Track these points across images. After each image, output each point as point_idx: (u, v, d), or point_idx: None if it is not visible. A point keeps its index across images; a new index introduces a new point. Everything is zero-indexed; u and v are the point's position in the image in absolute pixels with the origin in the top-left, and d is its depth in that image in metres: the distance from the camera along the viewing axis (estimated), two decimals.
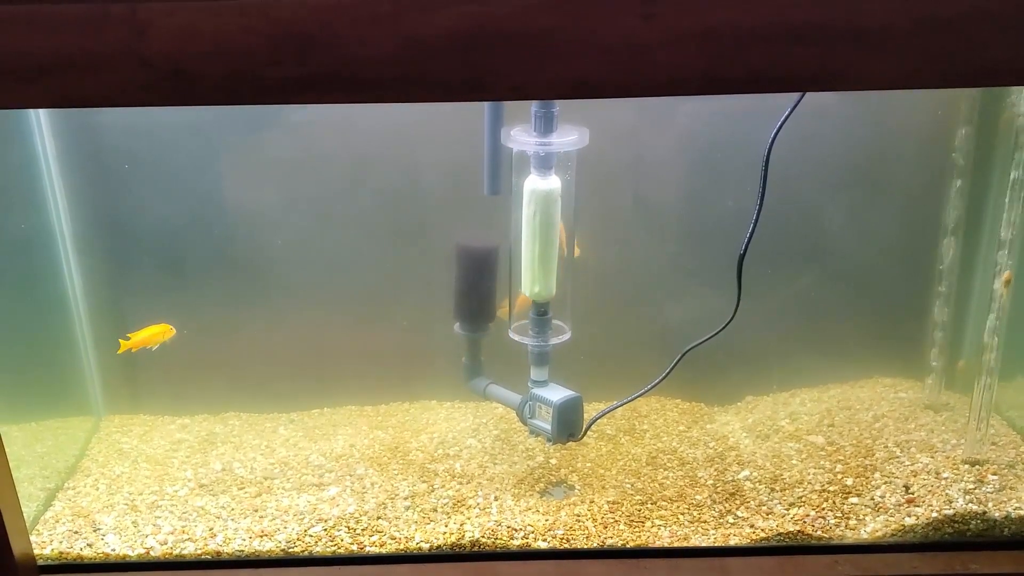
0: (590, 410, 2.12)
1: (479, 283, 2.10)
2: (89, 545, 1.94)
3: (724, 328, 1.96)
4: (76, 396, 2.43)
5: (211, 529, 1.97)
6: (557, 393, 2.03)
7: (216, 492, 2.13)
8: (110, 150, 2.20)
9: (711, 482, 2.14)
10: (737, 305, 1.93)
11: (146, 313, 2.33)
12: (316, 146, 2.20)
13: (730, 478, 2.16)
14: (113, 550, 1.91)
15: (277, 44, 1.01)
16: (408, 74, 1.02)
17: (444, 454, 2.31)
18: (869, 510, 2.01)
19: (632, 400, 2.13)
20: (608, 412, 2.16)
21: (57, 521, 2.01)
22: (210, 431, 2.50)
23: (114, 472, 2.26)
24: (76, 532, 1.97)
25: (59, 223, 2.26)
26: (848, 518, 1.98)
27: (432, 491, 2.11)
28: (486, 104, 1.78)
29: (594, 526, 1.96)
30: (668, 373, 2.04)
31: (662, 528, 1.95)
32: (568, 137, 1.81)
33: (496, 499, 2.06)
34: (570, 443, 2.13)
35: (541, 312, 2.00)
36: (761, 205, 1.96)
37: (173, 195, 2.26)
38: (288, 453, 2.33)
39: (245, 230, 2.28)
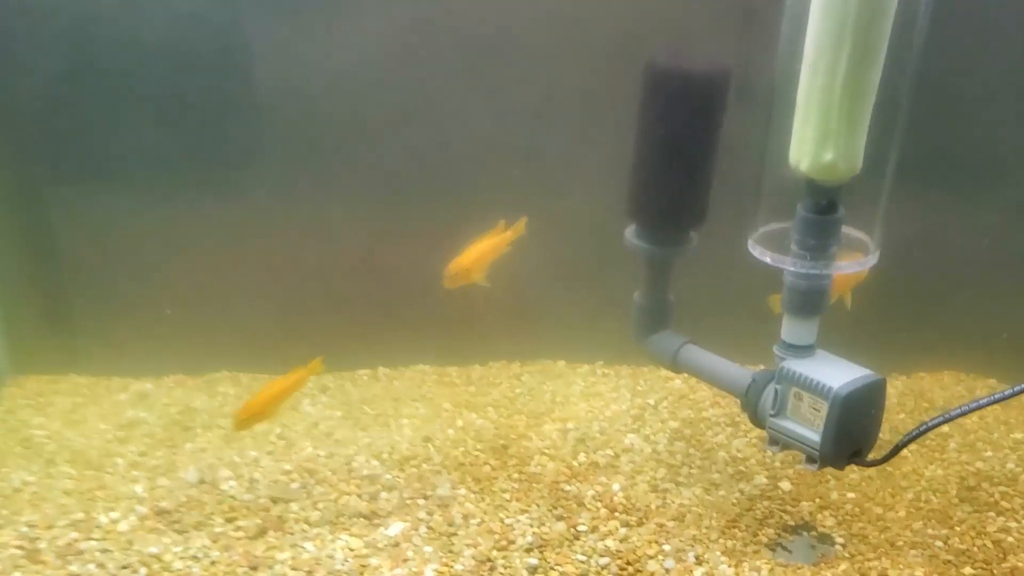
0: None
1: (690, 141, 1.61)
2: None
3: None
4: None
5: None
6: (838, 372, 1.51)
7: (185, 526, 1.72)
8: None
9: None
10: None
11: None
12: None
13: None
14: None
15: None
16: None
17: (589, 463, 1.91)
18: None
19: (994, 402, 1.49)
20: (940, 424, 1.52)
21: None
22: (185, 405, 2.16)
23: (10, 484, 1.86)
24: None
25: None
26: None
27: (577, 538, 1.67)
28: None
29: None
30: None
31: None
32: None
33: (697, 559, 1.63)
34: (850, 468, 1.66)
35: (822, 204, 1.47)
36: None
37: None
38: (316, 451, 1.97)
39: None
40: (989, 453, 2.00)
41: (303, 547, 1.65)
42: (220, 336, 2.27)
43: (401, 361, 2.35)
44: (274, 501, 1.80)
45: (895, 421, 2.00)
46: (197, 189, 2.17)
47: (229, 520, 1.73)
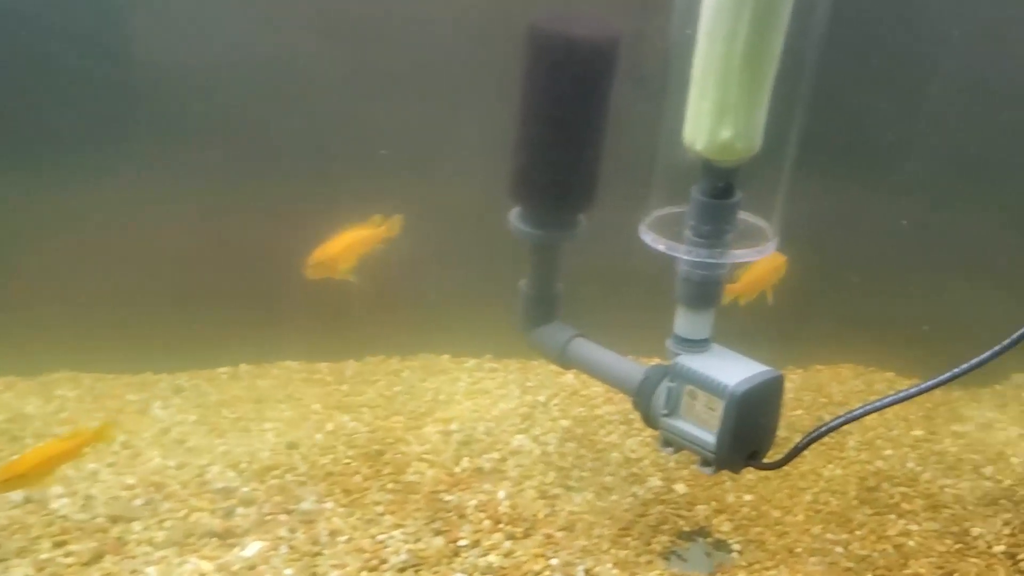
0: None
1: (577, 115, 1.51)
2: None
3: None
4: None
5: None
6: (735, 368, 1.44)
7: (5, 553, 1.61)
8: None
9: (1002, 542, 1.69)
10: None
11: None
12: None
13: None
14: None
15: None
16: None
17: (473, 469, 1.84)
18: None
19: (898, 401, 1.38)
20: (842, 424, 1.45)
21: None
22: (15, 411, 2.05)
23: None
24: None
25: None
26: None
27: (457, 554, 1.61)
28: None
29: None
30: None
31: None
32: None
33: (587, 573, 1.58)
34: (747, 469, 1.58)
35: (719, 188, 1.39)
36: None
37: None
38: (164, 461, 1.88)
39: None
40: (889, 452, 1.98)
41: (145, 573, 1.54)
42: (59, 332, 2.14)
43: (265, 357, 2.26)
44: (113, 521, 1.69)
45: (792, 418, 1.99)
46: (30, 170, 2.04)
47: (59, 544, 1.62)
